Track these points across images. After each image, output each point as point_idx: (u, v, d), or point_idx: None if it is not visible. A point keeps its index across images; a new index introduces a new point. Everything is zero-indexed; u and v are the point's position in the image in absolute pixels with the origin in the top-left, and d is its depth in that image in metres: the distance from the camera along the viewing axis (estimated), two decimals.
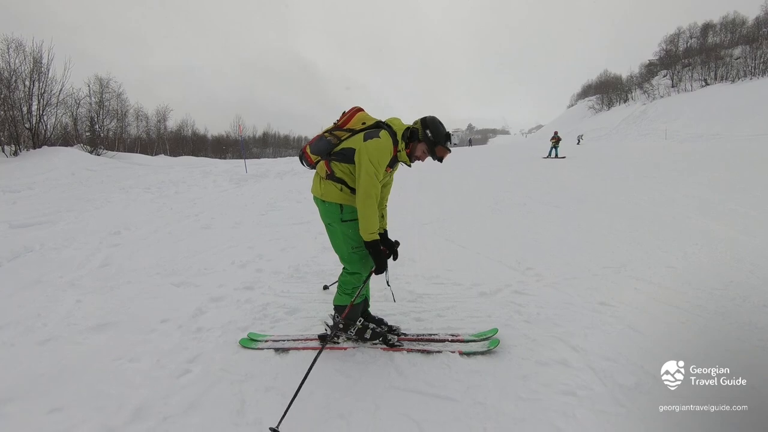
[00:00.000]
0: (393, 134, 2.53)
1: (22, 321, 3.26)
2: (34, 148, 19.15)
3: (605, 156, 19.64)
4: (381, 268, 2.55)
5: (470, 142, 45.47)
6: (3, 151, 17.91)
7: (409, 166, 2.68)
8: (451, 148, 2.57)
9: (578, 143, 37.06)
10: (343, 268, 2.71)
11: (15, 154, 18.03)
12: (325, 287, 2.56)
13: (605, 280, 3.75)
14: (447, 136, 2.53)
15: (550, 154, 21.26)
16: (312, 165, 2.72)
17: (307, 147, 2.72)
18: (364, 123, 2.60)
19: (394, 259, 2.81)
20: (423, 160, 2.65)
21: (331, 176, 2.56)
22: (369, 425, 2.03)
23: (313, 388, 2.33)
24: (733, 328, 2.75)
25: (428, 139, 2.52)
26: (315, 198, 2.67)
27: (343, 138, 2.61)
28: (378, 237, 2.49)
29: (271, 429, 1.91)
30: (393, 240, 2.82)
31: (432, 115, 2.59)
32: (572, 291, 3.53)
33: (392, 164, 2.61)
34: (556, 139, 21.63)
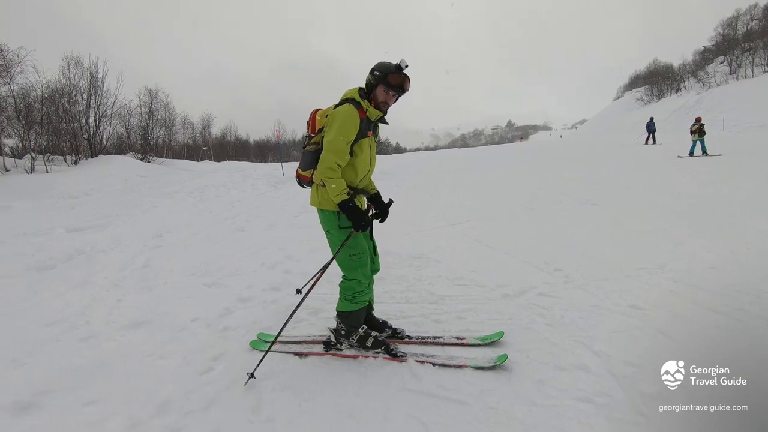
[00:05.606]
0: (350, 100, 2.57)
1: (69, 318, 3.52)
2: (92, 156, 20.60)
3: None
4: (359, 225, 2.53)
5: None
6: (65, 161, 19.40)
7: (386, 122, 2.69)
8: (405, 73, 2.53)
9: None
10: (343, 275, 2.73)
11: (75, 162, 19.47)
12: (298, 291, 2.71)
13: (639, 282, 3.56)
14: (396, 65, 2.53)
15: (692, 151, 15.04)
16: (309, 181, 2.79)
17: (298, 169, 2.82)
18: (327, 116, 2.63)
19: (383, 220, 2.83)
20: (390, 102, 2.61)
21: None
22: (379, 426, 2.04)
23: (324, 386, 2.37)
24: None
25: (378, 77, 2.53)
26: (317, 209, 2.73)
27: (320, 141, 2.67)
28: (347, 196, 2.50)
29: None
30: (386, 200, 2.85)
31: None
32: (601, 293, 3.38)
33: (369, 128, 2.63)
34: (699, 129, 15.28)
